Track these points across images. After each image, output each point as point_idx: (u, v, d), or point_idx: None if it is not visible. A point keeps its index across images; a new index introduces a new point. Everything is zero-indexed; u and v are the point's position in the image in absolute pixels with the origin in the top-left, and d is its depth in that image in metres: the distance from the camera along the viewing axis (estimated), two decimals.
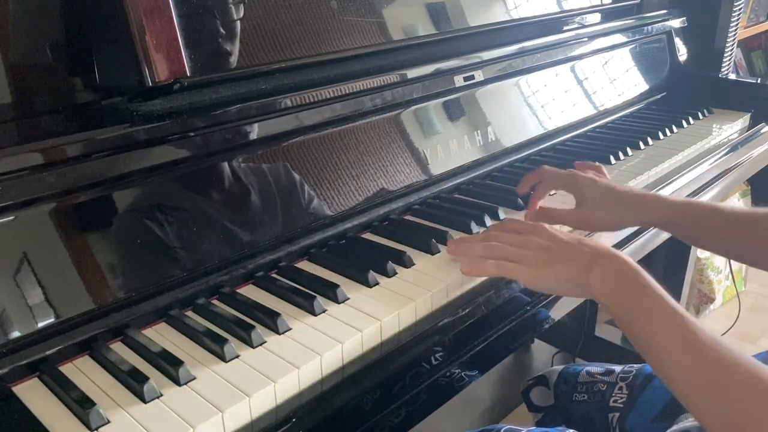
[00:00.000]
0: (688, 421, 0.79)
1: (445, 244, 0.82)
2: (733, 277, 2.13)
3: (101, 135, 0.66)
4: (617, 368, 0.97)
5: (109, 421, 0.54)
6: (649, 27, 1.44)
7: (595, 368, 0.99)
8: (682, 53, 1.54)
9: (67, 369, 0.61)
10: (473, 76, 1.04)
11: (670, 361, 0.58)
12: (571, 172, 0.90)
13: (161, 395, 0.57)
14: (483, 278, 0.78)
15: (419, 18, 0.99)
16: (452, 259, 0.78)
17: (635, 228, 0.97)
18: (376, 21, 0.93)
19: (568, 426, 0.95)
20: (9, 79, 0.71)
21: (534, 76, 1.18)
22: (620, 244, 0.95)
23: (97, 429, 0.53)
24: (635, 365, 0.97)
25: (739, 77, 2.13)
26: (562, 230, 0.74)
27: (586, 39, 1.29)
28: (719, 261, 2.12)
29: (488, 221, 0.88)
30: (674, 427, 0.80)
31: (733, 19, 1.52)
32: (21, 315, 0.59)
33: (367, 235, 0.87)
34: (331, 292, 0.71)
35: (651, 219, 0.85)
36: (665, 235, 1.08)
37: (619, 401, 0.91)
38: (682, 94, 1.48)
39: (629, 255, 0.96)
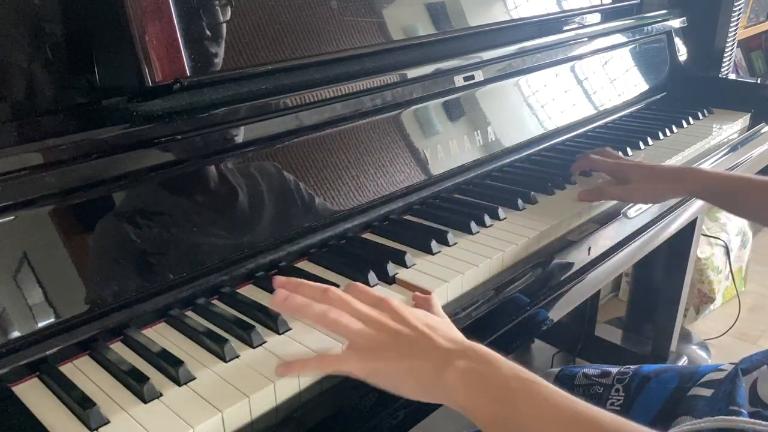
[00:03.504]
0: (686, 425, 0.79)
1: (446, 244, 0.82)
2: (733, 277, 2.13)
3: (101, 135, 0.66)
4: (613, 370, 0.97)
5: (109, 421, 0.54)
6: (649, 27, 1.44)
7: (592, 370, 0.99)
8: (682, 53, 1.54)
9: (67, 369, 0.61)
10: (473, 76, 1.04)
11: None
12: (613, 161, 0.98)
13: (161, 395, 0.57)
14: (482, 279, 0.79)
15: (419, 18, 0.99)
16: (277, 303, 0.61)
17: (635, 228, 0.98)
18: (376, 21, 0.93)
19: None
20: (9, 79, 0.71)
21: (534, 76, 1.18)
22: (621, 244, 0.95)
23: (97, 429, 0.53)
24: (631, 366, 0.97)
25: (739, 77, 2.13)
26: (412, 310, 0.60)
27: (586, 39, 1.29)
28: (719, 261, 2.12)
29: (488, 221, 0.88)
30: (672, 430, 0.80)
31: (733, 19, 1.52)
32: (21, 315, 0.59)
33: (367, 235, 0.87)
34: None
35: (692, 190, 0.93)
36: (665, 235, 1.08)
37: (616, 404, 0.91)
38: (682, 94, 1.48)
39: (630, 255, 0.98)
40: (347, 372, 0.57)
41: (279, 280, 0.61)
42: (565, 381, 0.99)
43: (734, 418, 0.72)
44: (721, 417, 0.73)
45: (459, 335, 0.58)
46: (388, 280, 0.75)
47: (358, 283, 0.64)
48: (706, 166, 1.13)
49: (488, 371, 0.53)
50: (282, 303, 0.59)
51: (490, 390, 0.52)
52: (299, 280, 0.62)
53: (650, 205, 0.99)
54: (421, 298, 0.67)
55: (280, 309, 0.61)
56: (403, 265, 0.78)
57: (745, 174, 0.89)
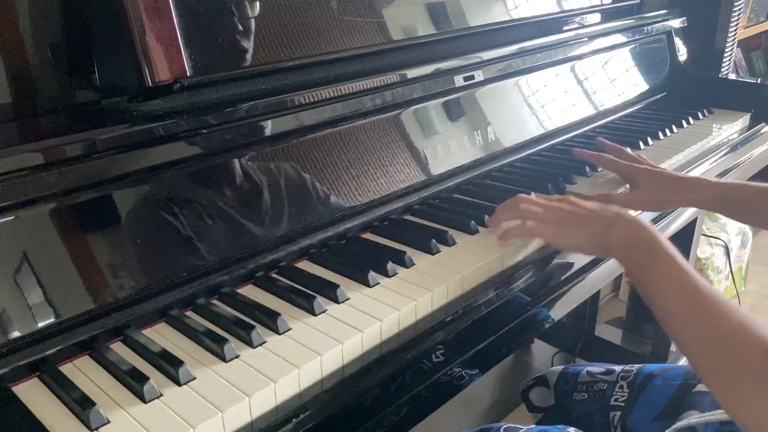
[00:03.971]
0: (693, 418, 0.79)
1: (446, 244, 0.82)
2: (733, 277, 2.13)
3: (101, 135, 0.66)
4: (617, 368, 0.97)
5: (109, 421, 0.54)
6: (649, 27, 1.44)
7: (596, 368, 0.99)
8: (682, 53, 1.54)
9: (67, 369, 0.61)
10: (473, 76, 1.04)
11: (672, 312, 0.63)
12: (627, 164, 1.01)
13: (161, 395, 0.57)
14: (482, 279, 0.79)
15: (419, 18, 0.99)
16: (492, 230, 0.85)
17: None
18: (376, 21, 0.93)
19: (569, 425, 0.95)
20: (9, 79, 0.71)
21: (534, 76, 1.18)
22: None
23: (97, 429, 0.53)
24: (635, 365, 0.97)
25: (739, 77, 2.13)
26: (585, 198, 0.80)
27: (586, 39, 1.29)
28: (719, 261, 2.12)
29: (488, 221, 0.88)
30: (677, 424, 0.80)
31: (733, 19, 1.52)
32: (21, 315, 0.59)
33: (367, 235, 0.87)
34: (331, 292, 0.71)
35: (699, 199, 0.95)
36: (665, 235, 1.08)
37: (620, 400, 0.91)
38: (682, 94, 1.48)
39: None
40: (542, 235, 0.80)
41: (491, 223, 0.85)
42: (568, 378, 0.99)
43: None
44: None
45: (622, 210, 0.76)
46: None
47: (533, 197, 0.84)
48: (707, 165, 1.13)
49: (637, 239, 0.70)
50: (493, 220, 0.84)
51: (634, 253, 0.70)
52: (496, 215, 0.85)
53: None
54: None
55: (493, 225, 0.85)
56: (403, 265, 0.78)
57: (753, 183, 0.89)
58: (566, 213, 0.78)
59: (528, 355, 1.77)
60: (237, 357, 0.62)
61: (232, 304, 0.71)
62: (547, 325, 0.84)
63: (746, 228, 2.25)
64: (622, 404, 0.90)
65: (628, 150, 1.04)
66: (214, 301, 0.72)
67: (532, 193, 0.93)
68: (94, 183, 0.65)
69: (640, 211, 0.97)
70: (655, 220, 1.02)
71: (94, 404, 0.54)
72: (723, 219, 2.19)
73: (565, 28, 1.33)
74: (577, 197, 0.82)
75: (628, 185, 1.00)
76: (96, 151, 0.65)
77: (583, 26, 1.37)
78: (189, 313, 0.70)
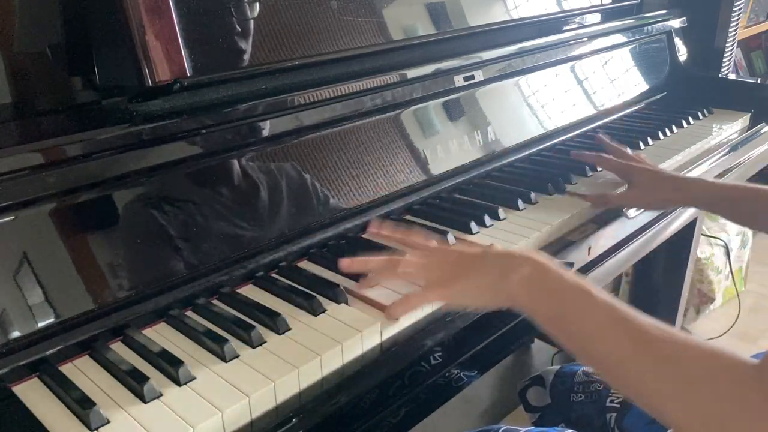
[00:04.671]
0: None
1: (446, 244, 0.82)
2: (733, 277, 2.13)
3: (101, 135, 0.66)
4: None
5: (109, 421, 0.54)
6: (649, 27, 1.44)
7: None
8: (682, 53, 1.53)
9: (67, 369, 0.61)
10: (473, 76, 1.04)
11: (612, 355, 0.55)
12: (625, 163, 0.99)
13: (161, 395, 0.57)
14: None
15: (419, 18, 0.99)
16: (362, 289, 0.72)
17: (635, 228, 0.98)
18: (376, 21, 0.93)
19: (566, 426, 0.95)
20: (9, 79, 0.71)
21: (534, 76, 1.18)
22: (621, 244, 0.95)
23: (97, 429, 0.53)
24: None
25: (739, 77, 2.13)
26: (465, 246, 0.71)
27: (586, 39, 1.29)
28: (719, 261, 2.12)
29: (488, 221, 0.88)
30: None
31: (733, 19, 1.52)
32: (21, 315, 0.59)
33: (367, 235, 0.87)
34: (331, 292, 0.71)
35: (697, 199, 0.94)
36: (665, 235, 1.08)
37: (615, 401, 0.91)
38: (682, 94, 1.48)
39: (630, 255, 0.98)
40: (433, 300, 0.69)
41: (344, 262, 0.70)
42: (565, 378, 0.99)
43: None
44: None
45: (514, 250, 0.68)
46: None
47: (411, 237, 0.74)
48: (706, 165, 1.13)
49: (544, 278, 0.62)
50: (352, 262, 0.71)
51: (546, 295, 0.61)
52: (362, 259, 0.71)
53: None
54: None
55: (350, 268, 0.71)
56: None
57: (752, 184, 0.89)
58: (452, 266, 0.67)
59: (527, 355, 1.77)
60: (237, 357, 0.62)
61: (232, 304, 0.71)
62: None
63: (746, 228, 2.25)
64: (618, 406, 0.90)
65: (628, 150, 1.04)
66: (214, 301, 0.72)
67: (501, 211, 0.91)
68: (94, 183, 0.65)
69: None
70: (655, 220, 1.02)
71: (94, 404, 0.54)
72: (723, 219, 2.19)
73: (565, 28, 1.33)
74: (460, 245, 0.73)
75: (626, 185, 1.00)
76: (96, 151, 0.65)
77: (583, 26, 1.37)
78: (189, 313, 0.70)
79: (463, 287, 0.66)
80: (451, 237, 0.83)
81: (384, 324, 0.67)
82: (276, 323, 0.66)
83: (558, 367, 1.03)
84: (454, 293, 0.67)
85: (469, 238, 0.85)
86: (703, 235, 2.04)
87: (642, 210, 0.98)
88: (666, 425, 0.53)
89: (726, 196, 0.90)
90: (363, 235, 0.87)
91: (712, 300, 2.14)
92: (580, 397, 0.96)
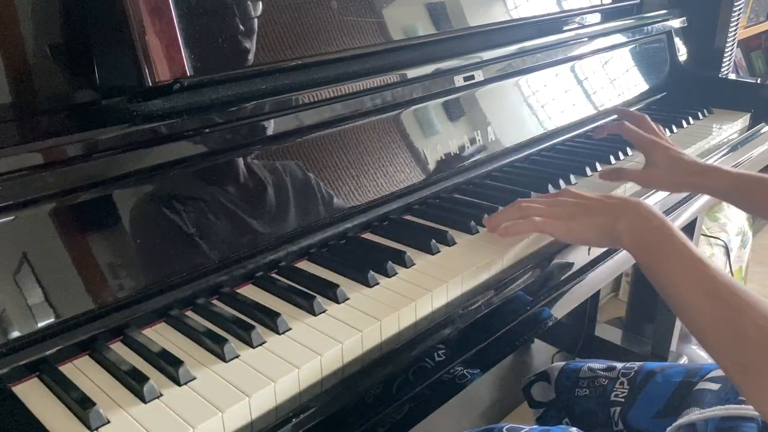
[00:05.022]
0: (694, 415, 0.79)
1: (446, 244, 0.82)
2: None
3: (101, 135, 0.66)
4: (619, 365, 0.97)
5: (109, 421, 0.54)
6: (649, 27, 1.44)
7: (597, 364, 0.99)
8: (682, 53, 1.54)
9: (67, 369, 0.61)
10: (473, 76, 1.04)
11: (688, 302, 0.62)
12: (649, 137, 0.98)
13: (161, 395, 0.57)
14: (482, 279, 0.78)
15: (419, 18, 0.99)
16: (489, 230, 0.82)
17: None
18: (376, 21, 0.93)
19: (570, 420, 0.95)
20: (9, 79, 0.71)
21: (534, 76, 1.18)
22: None
23: (97, 429, 0.53)
24: (636, 363, 0.97)
25: (739, 77, 2.13)
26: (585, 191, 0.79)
27: (586, 39, 1.29)
28: (719, 261, 2.12)
29: (486, 221, 0.88)
30: (679, 421, 0.80)
31: (733, 19, 1.52)
32: (21, 315, 0.59)
33: (367, 235, 0.87)
34: (331, 292, 0.71)
35: (711, 186, 0.94)
36: None
37: (620, 395, 0.91)
38: (682, 94, 1.48)
39: (630, 255, 0.98)
40: (552, 231, 0.77)
41: (488, 226, 0.82)
42: (570, 374, 0.99)
43: (743, 406, 0.73)
44: (730, 405, 0.74)
45: (628, 197, 0.75)
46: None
47: (535, 198, 0.83)
48: None
49: (647, 226, 0.69)
50: (491, 219, 0.82)
51: (644, 241, 0.69)
52: (495, 215, 0.83)
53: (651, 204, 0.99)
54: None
55: (491, 225, 0.82)
56: (403, 264, 0.78)
57: (765, 175, 0.89)
58: (571, 206, 0.77)
59: (528, 355, 1.77)
60: (237, 357, 0.62)
61: (232, 304, 0.71)
62: (547, 325, 0.84)
63: (746, 228, 2.25)
64: (622, 400, 0.90)
65: (648, 119, 1.03)
66: (214, 301, 0.72)
67: (532, 194, 0.93)
68: (94, 183, 0.65)
69: (651, 192, 0.98)
70: None
71: (94, 404, 0.54)
72: (723, 219, 2.19)
73: (565, 28, 1.33)
74: (578, 190, 0.80)
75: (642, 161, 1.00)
76: (96, 151, 0.65)
77: (583, 26, 1.37)
78: (189, 313, 0.70)
79: (579, 225, 0.75)
80: (450, 237, 0.83)
81: (384, 323, 0.67)
82: (276, 323, 0.66)
83: (563, 363, 1.03)
84: (570, 229, 0.76)
85: (470, 238, 0.85)
86: (703, 235, 2.04)
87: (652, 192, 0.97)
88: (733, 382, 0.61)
89: (741, 186, 0.90)
90: (362, 236, 0.87)
91: None
92: (585, 392, 0.96)
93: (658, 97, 1.47)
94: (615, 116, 1.10)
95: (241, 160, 0.76)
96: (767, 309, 0.57)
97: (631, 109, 1.08)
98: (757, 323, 0.56)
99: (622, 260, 0.96)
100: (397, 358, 0.65)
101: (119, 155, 0.67)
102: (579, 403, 0.96)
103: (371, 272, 0.74)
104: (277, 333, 0.65)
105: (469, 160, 1.02)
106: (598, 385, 0.95)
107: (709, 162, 1.14)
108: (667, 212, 1.06)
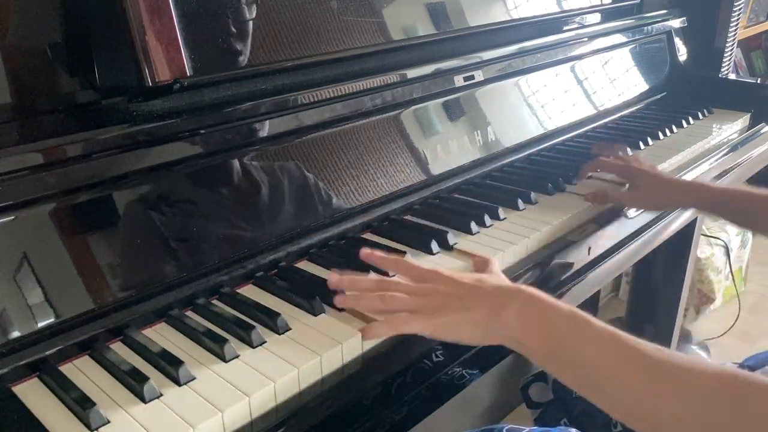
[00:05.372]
0: None
1: (446, 246, 0.82)
2: (733, 277, 2.13)
3: (101, 135, 0.66)
4: None
5: (109, 421, 0.54)
6: (649, 27, 1.44)
7: None
8: (682, 53, 1.54)
9: (67, 369, 0.61)
10: (473, 76, 1.04)
11: (620, 385, 0.54)
12: (626, 165, 1.00)
13: (161, 395, 0.57)
14: None
15: (419, 18, 0.99)
16: (337, 303, 0.68)
17: (635, 228, 0.98)
18: (376, 21, 0.93)
19: (569, 421, 0.95)
20: (9, 79, 0.71)
21: (534, 76, 1.18)
22: (621, 244, 0.95)
23: (97, 429, 0.53)
24: None
25: (739, 77, 2.13)
26: (461, 273, 0.67)
27: (585, 39, 1.29)
28: (719, 261, 2.12)
29: (488, 221, 0.88)
30: None
31: (733, 19, 1.52)
32: (21, 315, 0.59)
33: (367, 235, 0.87)
34: (331, 292, 0.71)
35: (694, 202, 0.95)
36: (665, 235, 1.08)
37: None
38: (682, 94, 1.48)
39: (630, 255, 0.98)
40: (414, 331, 0.63)
41: (332, 279, 0.68)
42: None
43: None
44: None
45: (508, 282, 0.65)
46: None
47: (404, 261, 0.71)
48: (706, 165, 1.13)
49: (539, 311, 0.60)
50: (342, 302, 0.67)
51: (541, 328, 0.59)
52: (351, 278, 0.68)
53: None
54: (479, 261, 0.75)
55: (341, 305, 0.68)
56: None
57: (755, 190, 0.89)
58: (442, 297, 0.64)
59: None
60: (237, 357, 0.62)
61: (232, 304, 0.71)
62: None
63: (746, 231, 2.25)
64: None
65: (627, 150, 1.04)
66: (214, 301, 0.72)
67: (501, 211, 0.90)
68: (94, 183, 0.65)
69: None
70: (655, 220, 1.02)
71: (94, 404, 0.54)
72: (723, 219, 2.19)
73: (565, 28, 1.33)
74: (444, 273, 0.67)
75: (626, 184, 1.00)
76: (96, 151, 0.65)
77: (583, 26, 1.37)
78: (189, 313, 0.70)
79: (453, 321, 0.62)
80: (450, 237, 0.83)
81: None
82: (276, 323, 0.66)
83: None
84: (443, 326, 0.63)
85: (470, 238, 0.85)
86: (703, 235, 2.04)
87: (641, 210, 0.98)
88: None
89: (726, 200, 0.91)
90: (362, 236, 0.87)
91: (712, 300, 2.14)
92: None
93: (658, 97, 1.47)
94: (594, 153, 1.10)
95: (241, 160, 0.76)
96: (708, 364, 0.51)
97: (602, 143, 1.10)
98: (717, 380, 0.50)
99: (622, 260, 0.96)
100: (397, 358, 0.65)
101: (119, 155, 0.67)
102: (577, 403, 0.96)
103: (371, 272, 0.74)
104: (277, 333, 0.65)
105: (469, 160, 1.02)
106: None
107: (709, 162, 1.14)
108: (667, 213, 1.06)
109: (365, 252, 0.72)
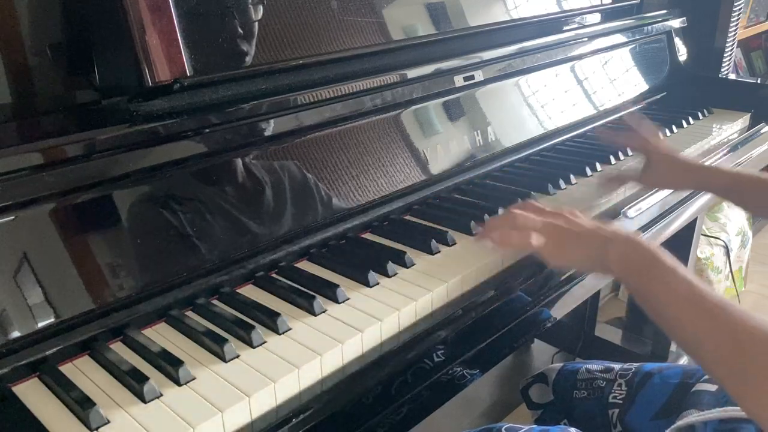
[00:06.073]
0: (692, 417, 0.79)
1: (446, 244, 0.82)
2: (733, 277, 2.13)
3: (101, 135, 0.66)
4: (616, 366, 0.97)
5: (109, 421, 0.54)
6: (649, 27, 1.44)
7: (595, 365, 0.99)
8: (682, 53, 1.54)
9: (67, 369, 0.61)
10: (473, 76, 1.04)
11: (681, 324, 0.62)
12: (645, 140, 1.01)
13: (161, 395, 0.57)
14: (482, 279, 0.78)
15: (419, 18, 0.99)
16: (478, 239, 0.82)
17: (635, 228, 0.98)
18: (376, 21, 0.93)
19: (569, 422, 0.95)
20: (9, 79, 0.71)
21: (534, 76, 1.18)
22: None
23: (97, 429, 0.53)
24: (634, 364, 0.97)
25: (739, 77, 2.13)
26: (582, 214, 0.79)
27: (586, 39, 1.29)
28: (719, 261, 2.12)
29: (477, 233, 0.88)
30: (678, 423, 0.80)
31: (733, 19, 1.52)
32: (21, 315, 0.59)
33: (367, 235, 0.87)
34: (331, 292, 0.71)
35: (708, 184, 0.97)
36: (665, 235, 1.08)
37: (618, 397, 0.91)
38: (682, 94, 1.48)
39: None
40: (541, 253, 0.76)
41: (480, 233, 0.81)
42: (567, 375, 0.99)
43: None
44: (729, 407, 0.74)
45: (617, 228, 0.75)
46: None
47: (531, 203, 0.82)
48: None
49: (637, 257, 0.69)
50: (484, 230, 0.80)
51: (636, 270, 0.69)
52: (488, 223, 0.82)
53: (651, 205, 0.99)
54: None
55: (483, 235, 0.80)
56: (403, 265, 0.78)
57: (761, 174, 0.90)
58: (563, 231, 0.76)
59: (528, 355, 1.77)
60: (237, 357, 0.62)
61: (232, 304, 0.71)
62: (547, 325, 0.84)
63: (746, 228, 2.25)
64: (620, 402, 0.90)
65: (648, 120, 1.06)
66: (214, 301, 0.72)
67: (529, 198, 0.93)
68: (94, 183, 0.65)
69: (652, 191, 1.00)
70: (654, 220, 1.02)
71: (94, 404, 0.54)
72: (723, 219, 2.19)
73: (565, 28, 1.33)
74: (572, 210, 0.79)
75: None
76: (96, 151, 0.65)
77: (583, 26, 1.37)
78: (189, 313, 0.70)
79: (569, 251, 0.75)
80: (450, 237, 0.83)
81: (384, 323, 0.67)
82: (276, 323, 0.66)
83: (561, 364, 1.03)
84: (560, 253, 0.75)
85: (470, 238, 0.85)
86: (703, 235, 2.04)
87: (641, 210, 0.98)
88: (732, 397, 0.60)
89: (739, 184, 0.92)
90: (362, 236, 0.87)
91: None
92: (583, 393, 0.96)
93: (658, 97, 1.47)
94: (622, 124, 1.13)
95: (241, 160, 0.76)
96: (758, 320, 0.57)
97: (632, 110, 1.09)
98: (752, 333, 0.57)
99: None
100: (397, 358, 0.65)
101: (119, 155, 0.67)
102: (577, 405, 0.96)
103: (371, 272, 0.74)
104: (277, 333, 0.65)
105: (469, 160, 1.02)
106: (596, 387, 0.95)
107: (708, 162, 1.15)
108: (667, 212, 1.06)
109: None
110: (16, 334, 0.59)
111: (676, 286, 0.64)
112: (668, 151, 0.99)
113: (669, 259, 0.67)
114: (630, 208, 0.97)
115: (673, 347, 1.75)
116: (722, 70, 1.57)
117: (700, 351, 0.61)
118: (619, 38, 1.37)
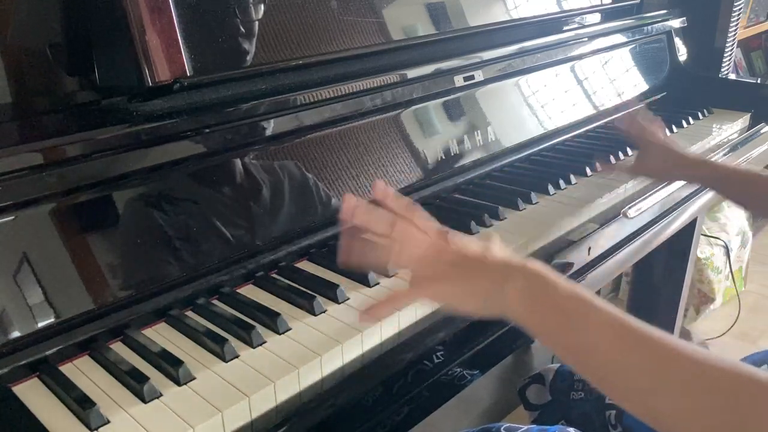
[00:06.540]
0: None
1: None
2: (733, 277, 2.13)
3: (101, 135, 0.66)
4: None
5: (109, 421, 0.54)
6: (649, 27, 1.44)
7: None
8: (682, 53, 1.53)
9: (67, 369, 0.61)
10: (473, 76, 1.04)
11: (618, 366, 0.53)
12: (641, 129, 1.02)
13: (161, 395, 0.57)
14: None
15: (419, 18, 0.99)
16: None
17: (635, 228, 0.98)
18: (376, 21, 0.93)
19: (566, 423, 0.95)
20: (9, 79, 0.71)
21: (534, 76, 1.18)
22: (621, 244, 0.95)
23: (97, 429, 0.53)
24: None
25: (739, 77, 2.13)
26: (468, 240, 0.64)
27: (586, 39, 1.29)
28: (719, 261, 2.12)
29: (488, 221, 0.88)
30: None
31: (733, 19, 1.52)
32: (21, 315, 0.59)
33: (368, 235, 0.87)
34: (331, 292, 0.71)
35: (700, 177, 0.98)
36: (665, 235, 1.08)
37: None
38: (682, 94, 1.48)
39: (630, 255, 0.98)
40: (421, 299, 0.64)
41: (347, 201, 0.64)
42: (565, 376, 0.99)
43: None
44: None
45: (514, 256, 0.62)
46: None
47: (415, 217, 0.65)
48: None
49: (543, 290, 0.57)
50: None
51: (542, 305, 0.57)
52: (367, 208, 0.64)
53: (651, 205, 0.99)
54: None
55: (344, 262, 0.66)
56: None
57: (756, 170, 0.91)
58: (447, 265, 0.61)
59: (527, 355, 1.77)
60: (237, 357, 0.62)
61: (232, 304, 0.71)
62: None
63: (746, 228, 2.25)
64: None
65: (649, 113, 1.09)
66: (214, 301, 0.72)
67: (501, 211, 0.91)
68: (94, 183, 0.65)
69: (654, 189, 1.00)
70: (654, 220, 1.03)
71: (94, 404, 0.54)
72: (723, 219, 2.19)
73: (565, 28, 1.33)
74: (445, 235, 0.64)
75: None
76: (96, 151, 0.65)
77: (583, 26, 1.37)
78: (189, 313, 0.70)
79: (455, 291, 0.61)
80: None
81: (384, 323, 0.67)
82: (276, 323, 0.66)
83: (558, 365, 1.03)
84: (445, 295, 0.62)
85: (470, 238, 0.85)
86: (703, 235, 2.04)
87: (641, 210, 0.98)
88: None
89: (730, 178, 0.93)
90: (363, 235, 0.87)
91: (712, 300, 2.14)
92: (581, 394, 0.96)
93: (658, 97, 1.47)
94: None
95: (241, 160, 0.76)
96: (720, 360, 0.49)
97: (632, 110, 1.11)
98: (723, 377, 0.48)
99: (622, 260, 0.96)
100: (397, 358, 0.65)
101: (119, 155, 0.67)
102: (575, 406, 0.96)
103: (371, 272, 0.74)
104: (277, 333, 0.65)
105: (469, 160, 1.02)
106: (594, 388, 0.94)
107: None
108: (667, 212, 1.06)
109: (379, 189, 0.66)
110: (16, 334, 0.59)
111: (597, 318, 0.54)
112: (665, 142, 1.01)
113: (578, 288, 0.57)
114: (630, 208, 0.97)
115: None
116: (722, 70, 1.57)
117: (632, 391, 0.52)
118: (619, 38, 1.37)
